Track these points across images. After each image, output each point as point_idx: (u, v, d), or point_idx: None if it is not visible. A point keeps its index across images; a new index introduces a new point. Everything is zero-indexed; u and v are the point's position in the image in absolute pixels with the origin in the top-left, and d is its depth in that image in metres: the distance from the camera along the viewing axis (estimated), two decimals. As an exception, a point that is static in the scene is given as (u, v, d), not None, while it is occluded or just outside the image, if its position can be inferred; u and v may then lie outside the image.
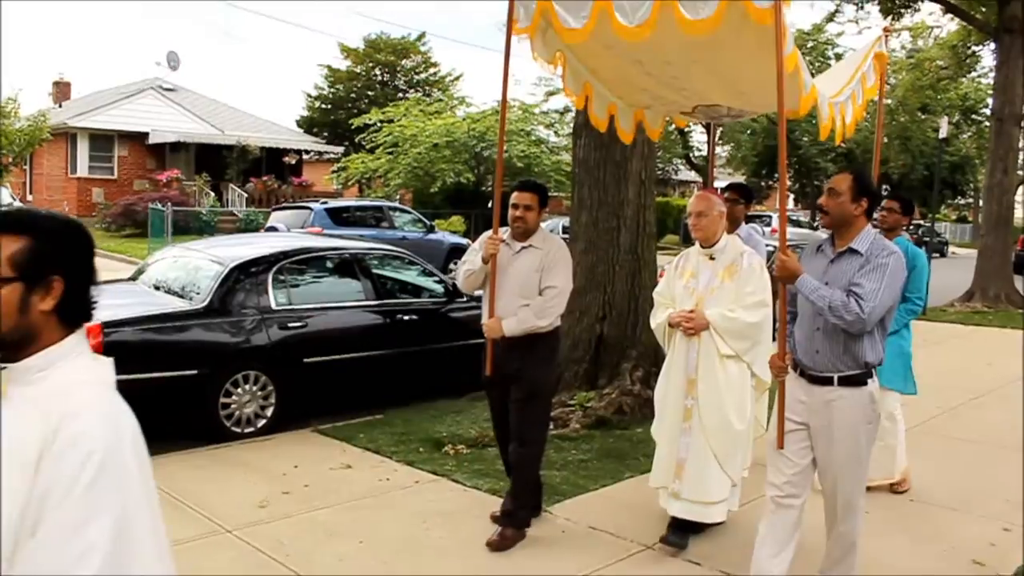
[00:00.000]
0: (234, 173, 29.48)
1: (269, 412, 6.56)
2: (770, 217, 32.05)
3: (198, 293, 6.64)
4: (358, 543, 4.31)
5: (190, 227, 24.44)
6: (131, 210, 25.73)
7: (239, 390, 6.42)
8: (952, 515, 4.97)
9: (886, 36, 5.35)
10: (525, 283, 4.37)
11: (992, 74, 20.25)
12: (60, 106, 32.28)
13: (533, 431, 4.42)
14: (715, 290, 4.23)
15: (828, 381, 3.46)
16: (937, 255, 15.83)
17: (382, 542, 4.24)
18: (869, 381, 3.46)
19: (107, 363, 1.66)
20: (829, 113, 4.12)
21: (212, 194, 28.09)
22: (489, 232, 4.43)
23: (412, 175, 25.68)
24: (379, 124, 27.06)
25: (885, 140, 36.88)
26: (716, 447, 4.17)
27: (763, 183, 41.15)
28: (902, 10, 17.64)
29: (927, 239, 33.92)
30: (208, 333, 6.36)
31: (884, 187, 39.06)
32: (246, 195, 28.61)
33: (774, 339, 3.91)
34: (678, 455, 4.24)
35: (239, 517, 4.64)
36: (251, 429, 6.45)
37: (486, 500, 4.85)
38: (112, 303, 6.73)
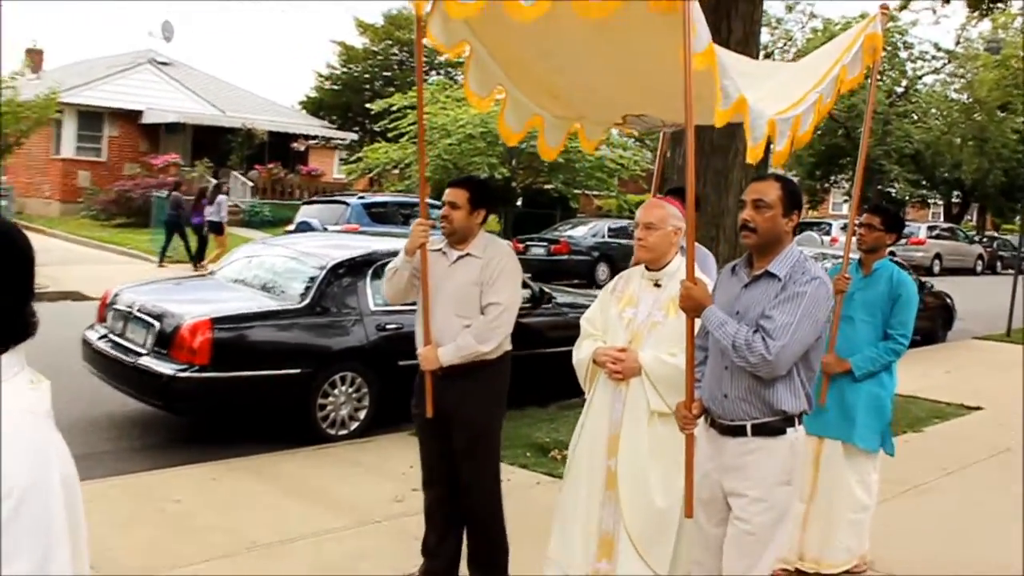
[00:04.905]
0: (237, 159, 30.26)
1: (362, 415, 7.37)
2: (829, 225, 32.86)
3: (289, 291, 7.46)
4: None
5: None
6: (126, 197, 26.59)
7: (336, 391, 7.24)
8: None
9: (883, 15, 4.86)
10: (463, 299, 4.14)
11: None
12: (39, 77, 33.03)
13: (482, 483, 4.27)
14: (656, 325, 3.80)
15: (741, 431, 3.23)
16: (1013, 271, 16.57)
17: (526, 530, 5.00)
18: (789, 430, 3.23)
19: (44, 387, 1.64)
20: (766, 132, 3.69)
21: (214, 181, 28.88)
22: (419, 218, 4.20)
23: (441, 168, 25.76)
24: (404, 111, 27.00)
25: (958, 141, 37.65)
26: (632, 527, 3.73)
27: (818, 185, 41.89)
28: (993, 5, 18.20)
29: (1002, 254, 34.71)
30: (311, 333, 7.19)
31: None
32: (251, 183, 29.37)
33: None
34: (601, 529, 3.82)
35: (381, 510, 5.51)
36: (344, 432, 7.24)
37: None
38: (207, 297, 7.64)
